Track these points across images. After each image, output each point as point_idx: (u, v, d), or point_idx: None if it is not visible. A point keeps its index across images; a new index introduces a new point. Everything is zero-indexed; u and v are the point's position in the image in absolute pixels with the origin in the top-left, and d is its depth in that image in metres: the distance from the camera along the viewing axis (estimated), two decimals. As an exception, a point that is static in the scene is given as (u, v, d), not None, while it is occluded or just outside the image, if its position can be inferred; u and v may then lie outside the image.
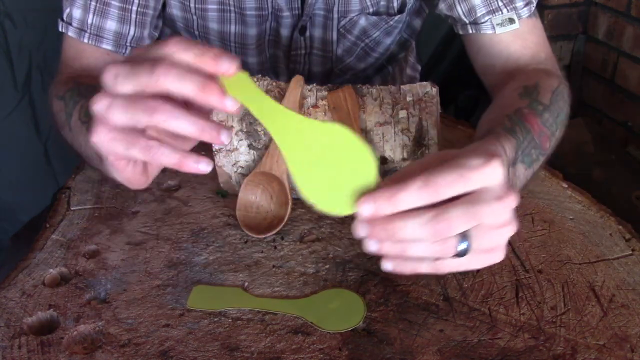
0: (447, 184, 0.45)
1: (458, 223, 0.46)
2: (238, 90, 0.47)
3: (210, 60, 0.46)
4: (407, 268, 0.49)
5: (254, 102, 0.47)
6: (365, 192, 0.47)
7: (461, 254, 0.48)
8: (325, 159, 0.48)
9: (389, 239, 0.47)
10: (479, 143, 0.55)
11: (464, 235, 0.47)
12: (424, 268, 0.50)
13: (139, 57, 0.48)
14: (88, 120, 0.49)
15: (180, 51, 0.46)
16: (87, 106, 0.72)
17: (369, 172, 0.47)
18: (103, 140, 0.48)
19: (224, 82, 0.47)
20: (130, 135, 0.47)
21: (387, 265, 0.49)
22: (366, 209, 0.45)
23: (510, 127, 0.63)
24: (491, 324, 0.58)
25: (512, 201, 0.47)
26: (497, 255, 0.50)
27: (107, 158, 0.50)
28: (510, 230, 0.49)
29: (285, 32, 0.94)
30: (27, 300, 0.62)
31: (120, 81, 0.47)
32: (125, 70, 0.47)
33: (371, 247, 0.48)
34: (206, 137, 0.46)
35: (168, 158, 0.47)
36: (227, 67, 0.46)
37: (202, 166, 0.48)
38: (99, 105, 0.47)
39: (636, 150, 1.75)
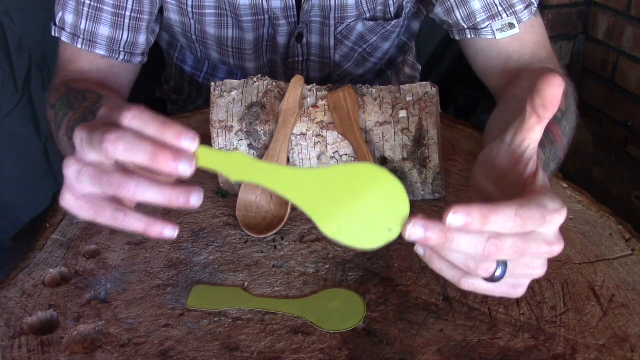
0: (533, 222, 0.45)
1: (508, 252, 0.46)
2: (238, 170, 0.47)
3: (171, 137, 0.46)
4: (436, 265, 0.49)
5: (257, 176, 0.47)
6: (405, 217, 0.45)
7: (495, 279, 0.48)
8: (347, 199, 0.47)
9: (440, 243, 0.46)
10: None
11: (503, 263, 0.47)
12: (450, 275, 0.49)
13: (99, 122, 0.49)
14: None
15: (138, 123, 0.46)
16: (74, 120, 0.72)
17: (398, 195, 0.46)
18: (71, 206, 0.49)
19: (220, 169, 0.47)
20: (97, 204, 0.48)
21: (419, 250, 0.49)
22: (457, 220, 0.44)
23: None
24: (491, 324, 0.58)
25: (557, 251, 0.48)
26: (520, 291, 0.50)
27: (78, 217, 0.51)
28: (540, 272, 0.49)
29: (282, 39, 0.94)
30: (27, 300, 0.62)
31: (84, 148, 0.48)
32: (85, 136, 0.47)
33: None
34: (175, 204, 0.46)
35: (134, 226, 0.48)
36: (189, 144, 0.46)
37: (167, 232, 0.48)
38: (69, 171, 0.48)
39: (636, 150, 1.75)
